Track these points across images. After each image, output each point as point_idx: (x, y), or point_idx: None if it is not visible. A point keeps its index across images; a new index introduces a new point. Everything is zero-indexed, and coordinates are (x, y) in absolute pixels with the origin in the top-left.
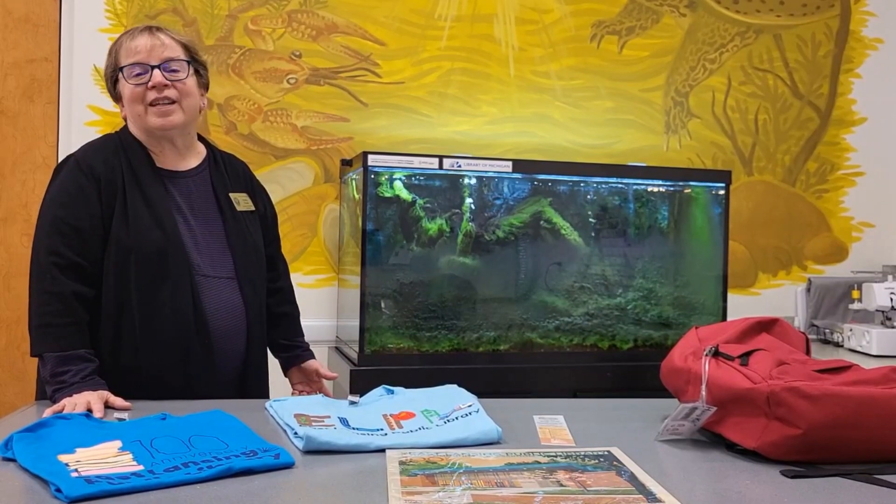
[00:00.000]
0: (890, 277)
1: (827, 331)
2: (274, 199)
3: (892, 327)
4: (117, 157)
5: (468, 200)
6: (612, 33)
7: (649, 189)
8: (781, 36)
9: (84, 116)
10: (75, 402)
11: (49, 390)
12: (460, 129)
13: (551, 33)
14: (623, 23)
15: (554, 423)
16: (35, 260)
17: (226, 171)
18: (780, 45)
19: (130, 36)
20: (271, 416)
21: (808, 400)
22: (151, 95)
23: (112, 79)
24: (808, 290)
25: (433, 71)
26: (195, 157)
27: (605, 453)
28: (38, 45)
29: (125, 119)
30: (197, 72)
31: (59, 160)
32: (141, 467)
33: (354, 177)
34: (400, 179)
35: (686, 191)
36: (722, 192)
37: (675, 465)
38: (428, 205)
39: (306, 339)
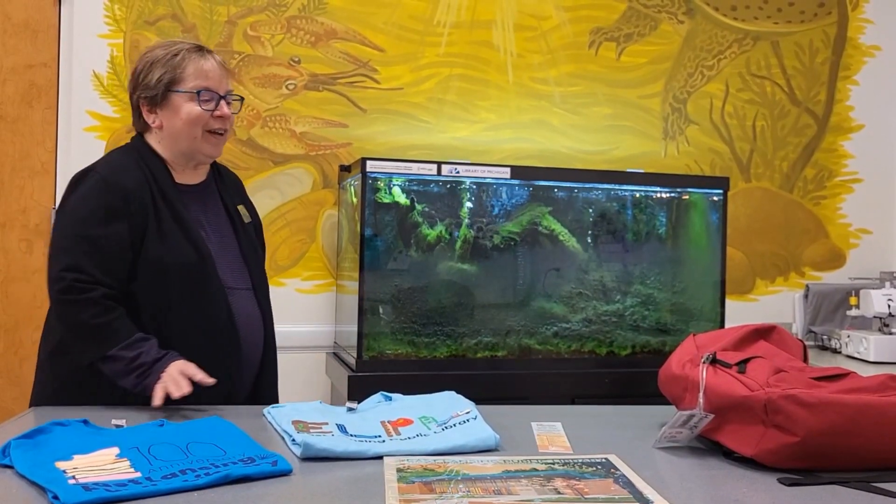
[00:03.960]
0: (887, 284)
1: (825, 337)
2: (272, 204)
3: (890, 334)
4: (142, 173)
5: (466, 206)
6: (610, 40)
7: (647, 195)
8: (779, 43)
9: (83, 122)
10: (175, 380)
11: (132, 382)
12: (459, 135)
13: (550, 40)
14: (621, 29)
15: (552, 430)
16: (55, 277)
17: (227, 183)
18: (778, 52)
19: (199, 55)
20: (269, 422)
21: (806, 407)
22: (215, 124)
23: (166, 88)
24: (806, 296)
25: (432, 77)
26: (204, 171)
27: (603, 460)
28: (38, 50)
29: (158, 127)
30: None
31: (58, 163)
32: (138, 474)
33: (353, 182)
34: (398, 185)
35: (684, 197)
36: (720, 198)
37: (672, 472)
38: (426, 210)
39: (303, 344)
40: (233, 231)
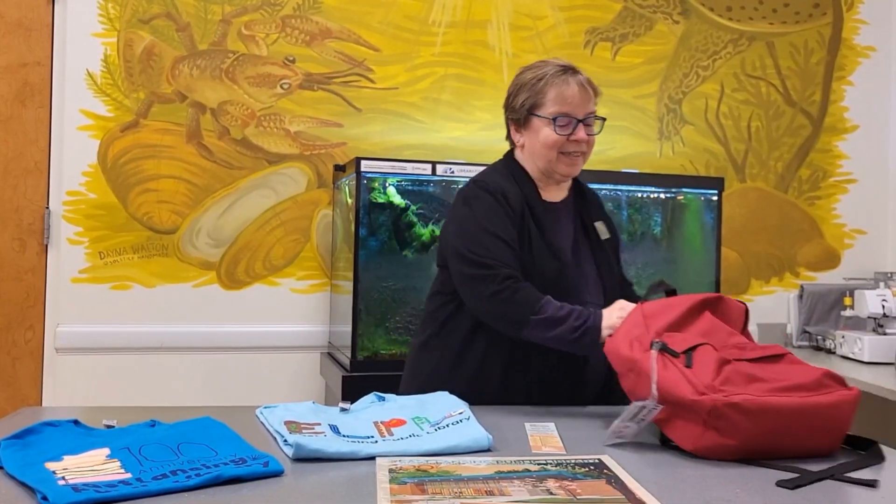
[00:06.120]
0: (882, 284)
1: (819, 338)
2: (267, 204)
3: (884, 334)
4: (515, 188)
5: None
6: (605, 40)
7: (642, 195)
8: (774, 43)
9: (76, 121)
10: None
11: (571, 325)
12: (454, 134)
13: (545, 40)
14: (616, 30)
15: (545, 431)
16: (476, 265)
17: (588, 201)
18: (773, 53)
19: (562, 79)
20: (261, 423)
21: (747, 415)
22: (570, 147)
23: (528, 112)
24: (801, 296)
25: (427, 77)
26: (566, 189)
27: (596, 461)
28: (31, 49)
29: (521, 147)
30: None
31: (52, 162)
32: (129, 475)
33: (347, 182)
34: (393, 185)
35: (679, 197)
36: (715, 198)
37: (664, 473)
38: (421, 210)
39: (297, 344)
40: (589, 248)
